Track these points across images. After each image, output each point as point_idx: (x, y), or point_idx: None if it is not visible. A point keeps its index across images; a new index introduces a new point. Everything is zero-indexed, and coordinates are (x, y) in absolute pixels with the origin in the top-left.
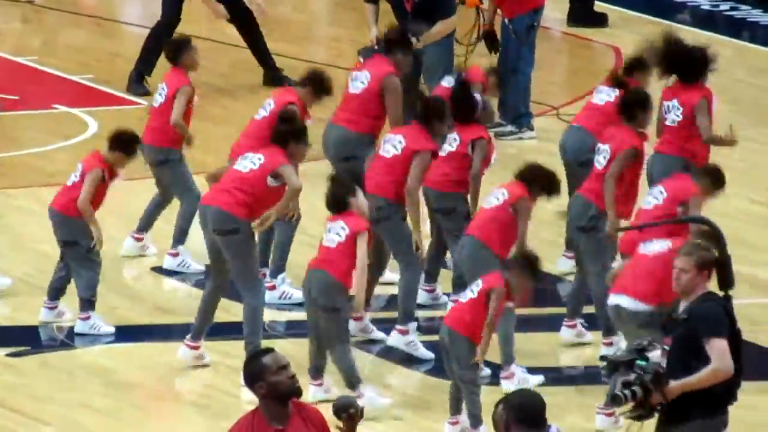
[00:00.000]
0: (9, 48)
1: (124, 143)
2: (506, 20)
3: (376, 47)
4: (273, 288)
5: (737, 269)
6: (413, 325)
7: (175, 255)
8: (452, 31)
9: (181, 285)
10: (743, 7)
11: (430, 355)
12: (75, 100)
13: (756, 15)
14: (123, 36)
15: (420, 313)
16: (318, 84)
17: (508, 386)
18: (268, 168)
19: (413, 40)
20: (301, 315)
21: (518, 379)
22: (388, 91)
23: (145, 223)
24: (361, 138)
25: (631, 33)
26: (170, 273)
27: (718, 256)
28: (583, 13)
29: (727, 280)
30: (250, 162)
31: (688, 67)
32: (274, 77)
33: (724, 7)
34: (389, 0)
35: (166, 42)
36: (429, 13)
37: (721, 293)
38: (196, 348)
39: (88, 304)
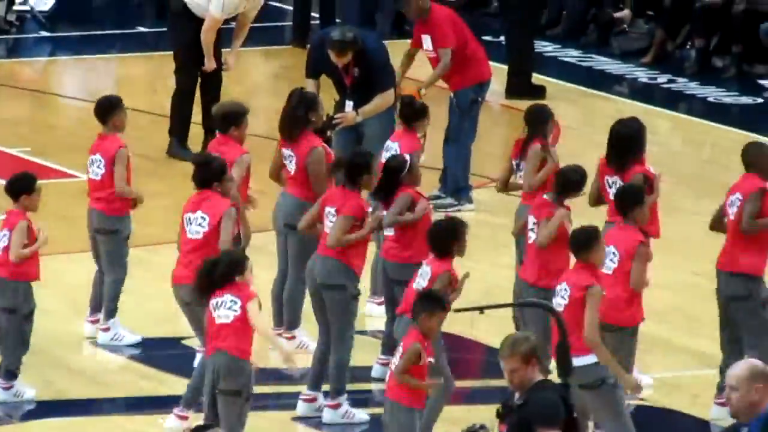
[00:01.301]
0: None
1: (21, 185)
2: (451, 93)
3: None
4: (107, 330)
5: (680, 341)
6: (343, 398)
7: (107, 330)
8: (391, 104)
9: (117, 357)
10: (680, 79)
11: (366, 417)
12: (13, 173)
13: (693, 88)
14: (60, 108)
15: (374, 386)
16: None
17: (331, 417)
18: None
19: (352, 113)
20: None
21: (343, 412)
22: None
23: (97, 304)
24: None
25: (569, 105)
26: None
27: (560, 342)
28: (520, 86)
29: (566, 367)
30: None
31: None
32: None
33: (661, 79)
34: (330, 75)
35: (98, 101)
36: (367, 87)
37: (559, 380)
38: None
39: (12, 375)
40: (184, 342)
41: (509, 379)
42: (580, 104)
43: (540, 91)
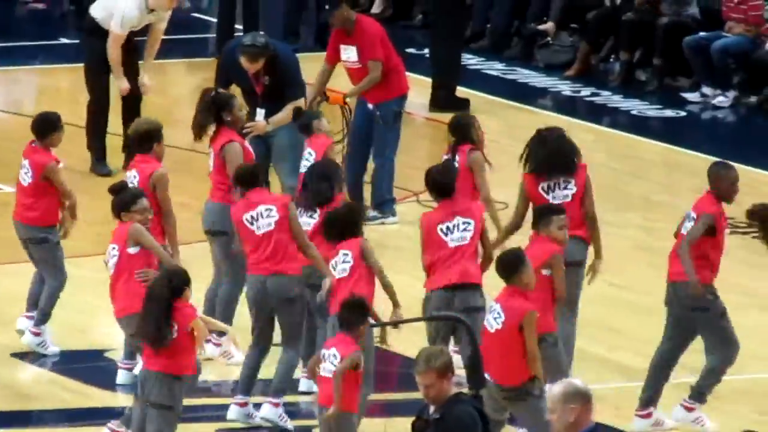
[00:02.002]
0: None
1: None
2: (371, 107)
3: None
4: (38, 334)
5: (601, 353)
6: (282, 399)
7: (37, 334)
8: None
9: (40, 370)
10: (604, 92)
11: (292, 428)
12: None
13: (616, 101)
14: None
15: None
16: None
17: (269, 413)
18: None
19: (263, 122)
20: None
21: (281, 412)
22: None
23: (34, 301)
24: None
25: (493, 118)
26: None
27: (471, 356)
28: (445, 99)
29: (478, 381)
30: None
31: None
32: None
33: (585, 92)
34: (240, 83)
35: (38, 116)
36: (278, 96)
37: (471, 393)
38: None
39: None
40: (106, 354)
41: (425, 393)
42: (504, 117)
43: (464, 104)
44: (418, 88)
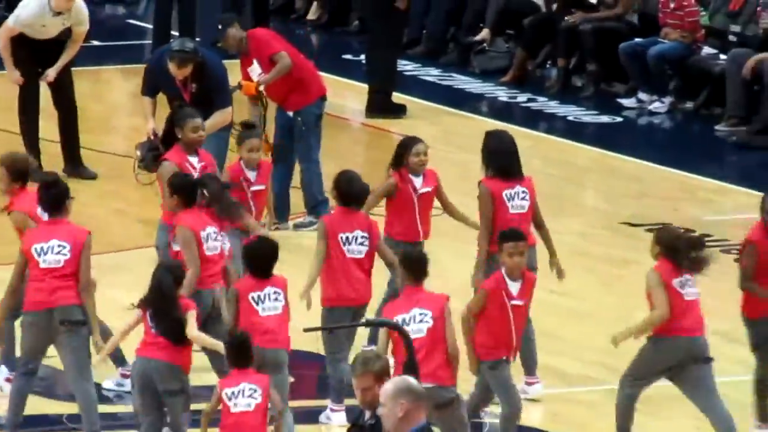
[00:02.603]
0: None
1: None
2: (291, 114)
3: (153, 139)
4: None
5: (540, 359)
6: None
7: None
8: (229, 122)
9: None
10: (540, 98)
11: None
12: None
13: (553, 107)
14: None
15: None
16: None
17: None
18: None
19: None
20: None
21: None
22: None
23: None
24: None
25: (430, 123)
26: None
27: (408, 360)
28: (381, 104)
29: None
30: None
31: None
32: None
33: (521, 98)
34: (166, 92)
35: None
36: (206, 104)
37: None
38: None
39: None
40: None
41: (361, 398)
42: (440, 123)
43: (400, 110)
44: (355, 94)
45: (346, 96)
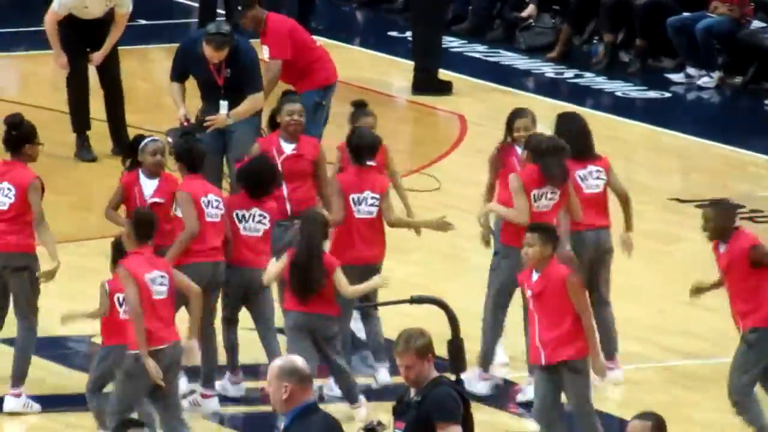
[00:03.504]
0: None
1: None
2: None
3: (185, 125)
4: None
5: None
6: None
7: (18, 395)
8: (261, 107)
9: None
10: (587, 74)
11: None
12: None
13: (600, 82)
14: None
15: None
16: None
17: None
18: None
19: (223, 116)
20: None
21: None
22: None
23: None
24: None
25: (476, 100)
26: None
27: (452, 339)
28: (427, 81)
29: (459, 364)
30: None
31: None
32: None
33: (568, 74)
34: (198, 77)
35: (10, 123)
36: (238, 89)
37: (452, 377)
38: None
39: None
40: (93, 339)
41: (405, 375)
42: (486, 100)
43: (446, 87)
44: (401, 72)
45: (391, 73)
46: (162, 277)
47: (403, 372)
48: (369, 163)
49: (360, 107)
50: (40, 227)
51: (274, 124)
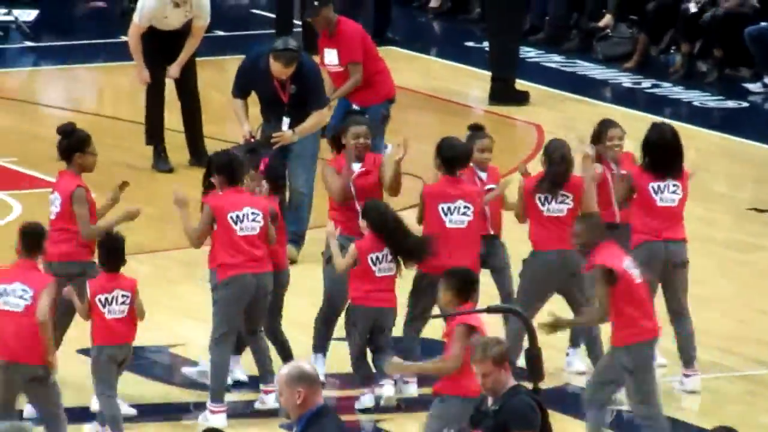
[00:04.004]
0: None
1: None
2: (355, 107)
3: (251, 141)
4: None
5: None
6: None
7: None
8: (325, 123)
9: None
10: (664, 84)
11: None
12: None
13: (677, 92)
14: (44, 118)
15: None
16: None
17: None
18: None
19: (289, 132)
20: None
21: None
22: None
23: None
24: None
25: (553, 110)
26: None
27: (530, 347)
28: (504, 91)
29: (537, 373)
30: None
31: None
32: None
33: (645, 84)
34: (262, 93)
35: (62, 131)
36: (301, 105)
37: (530, 385)
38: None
39: None
40: (171, 350)
41: (482, 383)
42: (562, 110)
43: (523, 97)
44: (477, 82)
45: (468, 83)
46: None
47: (480, 380)
48: (459, 173)
49: (477, 130)
50: (89, 231)
51: (338, 145)
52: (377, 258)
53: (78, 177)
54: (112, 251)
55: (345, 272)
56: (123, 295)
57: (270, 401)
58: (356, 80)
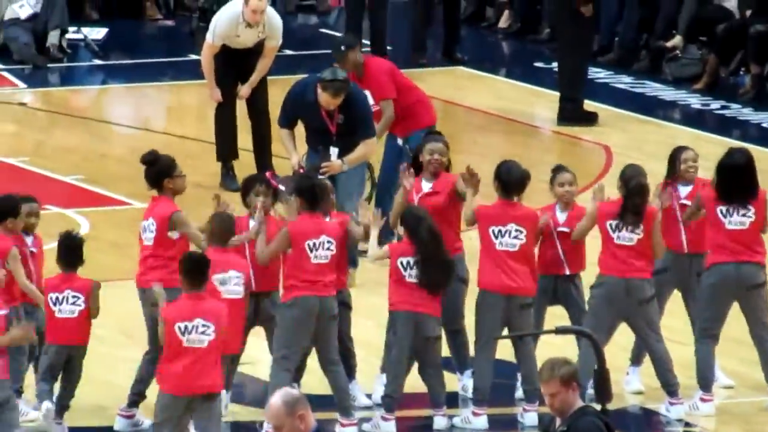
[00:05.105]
0: (1, 149)
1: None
2: (401, 142)
3: (301, 171)
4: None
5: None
6: None
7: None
8: (374, 154)
9: None
10: (734, 105)
11: None
12: (67, 200)
13: (747, 114)
14: (112, 136)
15: None
16: None
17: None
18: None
19: (338, 162)
20: None
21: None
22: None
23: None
24: None
25: (621, 131)
26: None
27: (598, 369)
28: (572, 112)
29: (605, 394)
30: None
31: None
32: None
33: (714, 105)
34: (308, 122)
35: (146, 161)
36: (349, 134)
37: (598, 406)
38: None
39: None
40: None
41: (549, 404)
42: (631, 131)
43: (592, 117)
44: (546, 102)
45: (537, 104)
46: None
47: (547, 400)
48: (515, 198)
49: (558, 170)
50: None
51: (417, 165)
52: (408, 263)
53: (171, 201)
54: (69, 250)
55: (375, 261)
56: (74, 296)
57: None
58: (389, 117)
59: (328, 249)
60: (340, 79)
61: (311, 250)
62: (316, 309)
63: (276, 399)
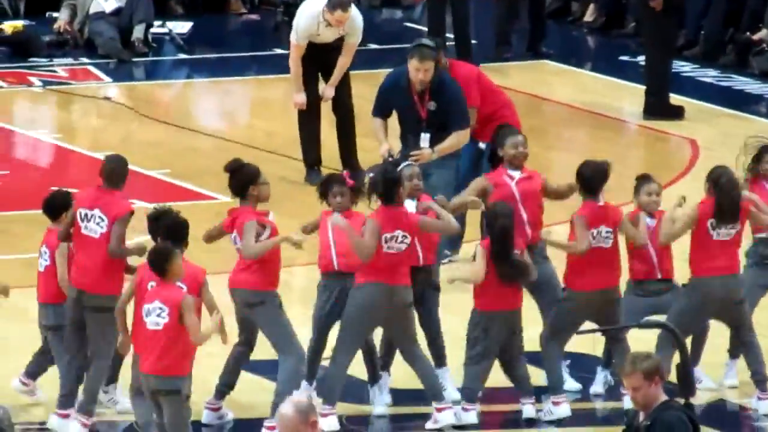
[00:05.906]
0: (86, 144)
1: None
2: (482, 145)
3: (390, 159)
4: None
5: None
6: None
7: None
8: (464, 144)
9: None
10: None
11: None
12: (153, 195)
13: None
14: (197, 131)
15: None
16: None
17: None
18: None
19: (429, 150)
20: None
21: None
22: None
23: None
24: None
25: (708, 126)
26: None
27: (681, 363)
28: (659, 106)
29: (688, 387)
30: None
31: None
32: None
33: None
34: (400, 110)
35: (231, 169)
36: (441, 124)
37: (682, 400)
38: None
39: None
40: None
41: (632, 398)
42: (718, 125)
43: (678, 112)
44: (632, 96)
45: (623, 98)
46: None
47: (630, 394)
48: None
49: (645, 179)
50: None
51: (496, 160)
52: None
53: (253, 210)
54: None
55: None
56: (43, 252)
57: (445, 419)
58: (471, 125)
59: (401, 242)
60: (424, 44)
61: (386, 242)
62: (385, 297)
63: (288, 408)
